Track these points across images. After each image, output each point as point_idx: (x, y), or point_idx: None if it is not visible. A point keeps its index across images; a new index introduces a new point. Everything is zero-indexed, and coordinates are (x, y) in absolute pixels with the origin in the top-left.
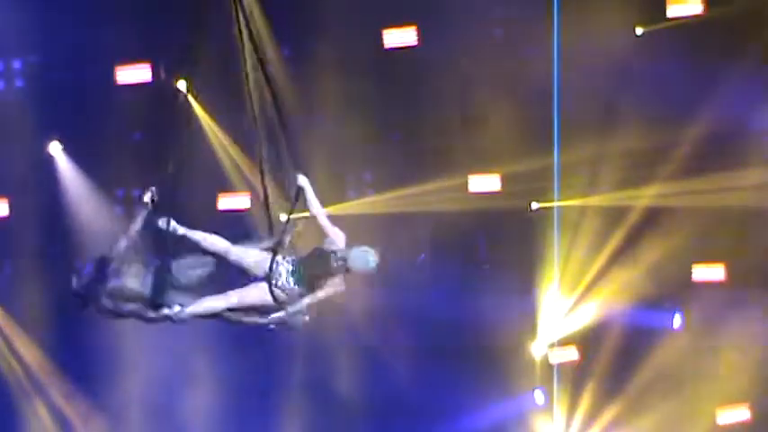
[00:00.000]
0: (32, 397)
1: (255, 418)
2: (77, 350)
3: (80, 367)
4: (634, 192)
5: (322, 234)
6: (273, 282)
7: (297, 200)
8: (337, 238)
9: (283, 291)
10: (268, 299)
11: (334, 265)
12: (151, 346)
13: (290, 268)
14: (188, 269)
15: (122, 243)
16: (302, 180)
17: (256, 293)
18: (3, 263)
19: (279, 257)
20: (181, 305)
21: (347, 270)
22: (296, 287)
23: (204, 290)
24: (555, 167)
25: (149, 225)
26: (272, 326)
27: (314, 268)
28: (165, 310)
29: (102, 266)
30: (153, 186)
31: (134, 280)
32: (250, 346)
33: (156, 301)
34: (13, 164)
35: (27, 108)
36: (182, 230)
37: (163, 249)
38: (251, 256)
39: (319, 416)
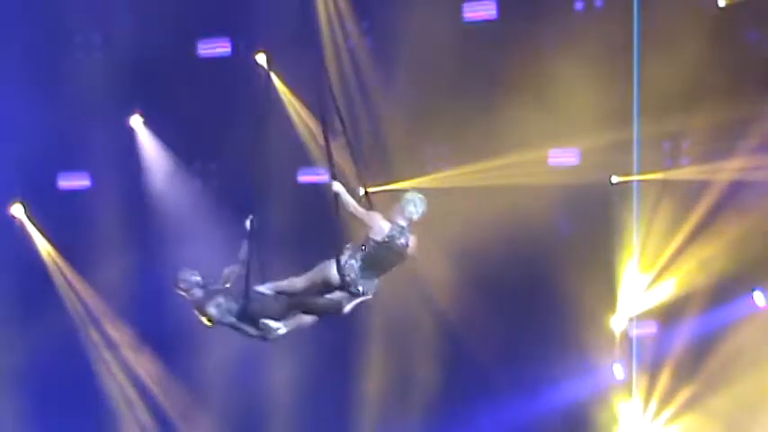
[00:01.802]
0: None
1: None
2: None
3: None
4: (716, 165)
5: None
6: (348, 280)
7: (337, 206)
8: (378, 227)
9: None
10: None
11: (398, 243)
12: None
13: (359, 265)
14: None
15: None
16: (336, 186)
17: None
18: (86, 234)
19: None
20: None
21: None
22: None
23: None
24: (635, 141)
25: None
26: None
27: (383, 261)
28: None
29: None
30: (251, 215)
31: (215, 309)
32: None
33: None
34: (93, 136)
35: (107, 81)
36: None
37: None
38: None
39: (397, 391)
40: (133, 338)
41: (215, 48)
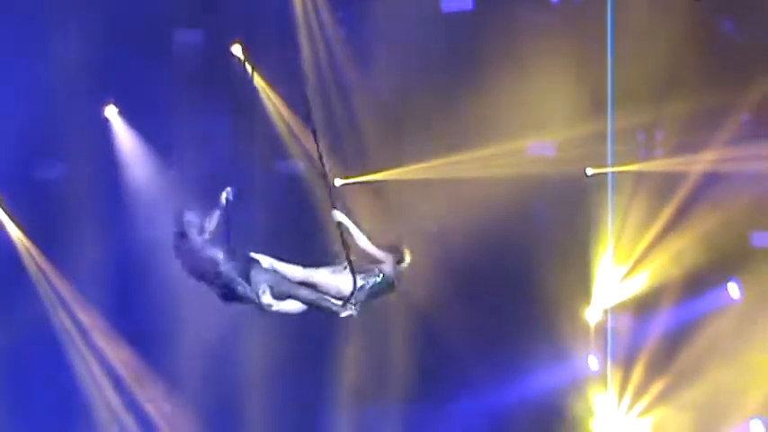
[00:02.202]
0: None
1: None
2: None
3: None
4: (691, 157)
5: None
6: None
7: (344, 238)
8: (388, 260)
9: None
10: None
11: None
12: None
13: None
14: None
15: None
16: (338, 215)
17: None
18: (60, 223)
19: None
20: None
21: None
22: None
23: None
24: (609, 132)
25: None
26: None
27: (383, 292)
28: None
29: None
30: (229, 188)
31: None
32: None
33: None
34: (68, 126)
35: (82, 71)
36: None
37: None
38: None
39: (373, 380)
40: (106, 326)
41: (190, 37)
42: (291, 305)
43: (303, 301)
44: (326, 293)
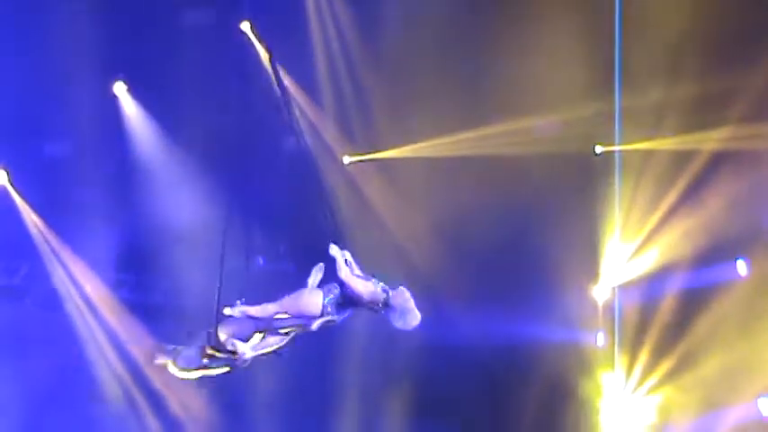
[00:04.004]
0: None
1: None
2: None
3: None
4: (700, 135)
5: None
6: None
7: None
8: (372, 296)
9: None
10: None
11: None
12: None
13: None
14: None
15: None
16: (334, 250)
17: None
18: (70, 200)
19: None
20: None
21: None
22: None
23: None
24: (617, 110)
25: None
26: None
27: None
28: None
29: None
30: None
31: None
32: None
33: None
34: (77, 104)
35: (92, 48)
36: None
37: None
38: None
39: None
40: (115, 302)
41: (199, 15)
42: (267, 343)
43: (281, 331)
44: (299, 317)
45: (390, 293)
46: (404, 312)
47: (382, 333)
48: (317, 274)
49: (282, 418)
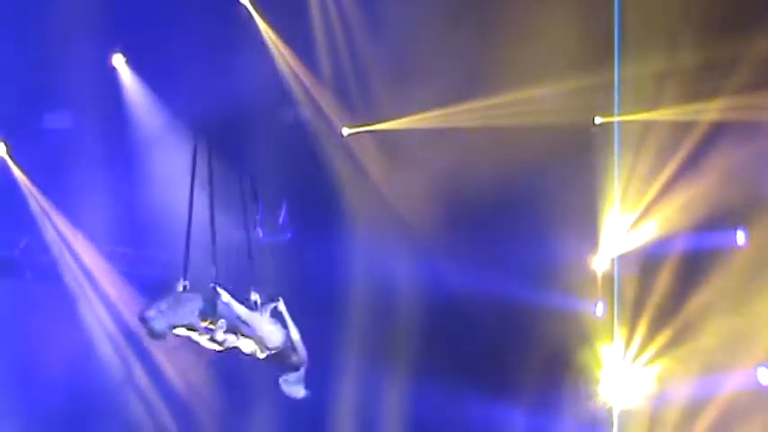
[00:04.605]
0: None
1: None
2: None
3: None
4: (699, 106)
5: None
6: None
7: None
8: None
9: None
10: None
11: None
12: None
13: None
14: None
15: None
16: (281, 306)
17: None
18: (67, 175)
19: None
20: None
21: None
22: None
23: None
24: (616, 81)
25: None
26: None
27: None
28: None
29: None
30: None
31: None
32: None
33: None
34: (75, 77)
35: (90, 19)
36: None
37: None
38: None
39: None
40: (116, 275)
41: None
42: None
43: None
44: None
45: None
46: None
47: (381, 299)
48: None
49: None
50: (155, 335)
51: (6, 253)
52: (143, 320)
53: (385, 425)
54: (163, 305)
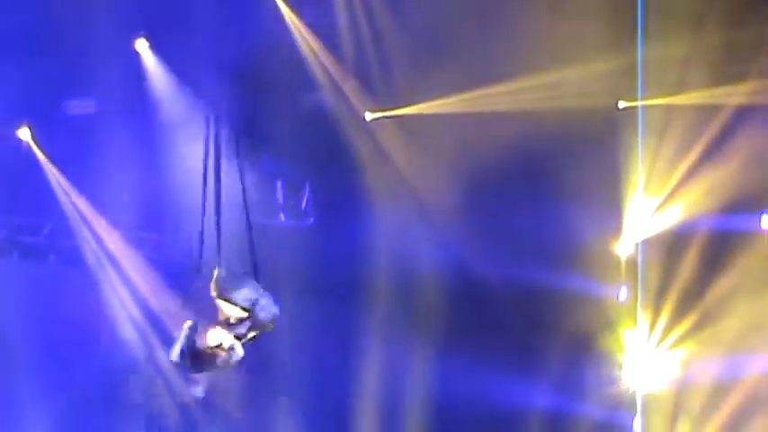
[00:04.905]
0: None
1: None
2: None
3: None
4: (725, 89)
5: None
6: None
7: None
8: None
9: None
10: None
11: None
12: None
13: None
14: None
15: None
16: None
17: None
18: (91, 161)
19: None
20: None
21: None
22: None
23: None
24: (639, 64)
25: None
26: None
27: None
28: None
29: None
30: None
31: None
32: None
33: None
34: (98, 61)
35: (113, 4)
36: None
37: None
38: None
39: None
40: (139, 260)
41: None
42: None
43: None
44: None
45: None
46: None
47: (403, 281)
48: None
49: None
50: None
51: (30, 237)
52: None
53: (407, 405)
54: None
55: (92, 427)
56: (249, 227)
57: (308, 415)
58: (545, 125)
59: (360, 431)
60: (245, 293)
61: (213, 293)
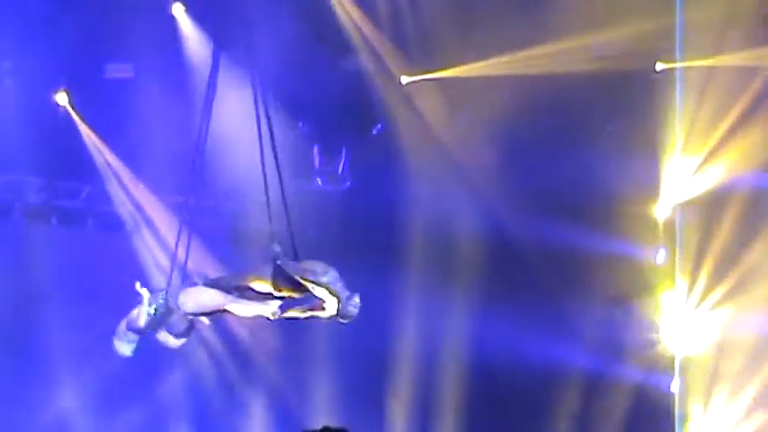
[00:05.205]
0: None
1: None
2: None
3: None
4: (764, 51)
5: None
6: None
7: None
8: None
9: None
10: None
11: None
12: None
13: None
14: None
15: None
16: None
17: None
18: (129, 124)
19: None
20: None
21: None
22: None
23: None
24: (678, 26)
25: None
26: None
27: None
28: None
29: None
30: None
31: None
32: None
33: None
34: (135, 26)
35: None
36: None
37: None
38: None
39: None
40: (177, 227)
41: None
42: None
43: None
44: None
45: None
46: None
47: (440, 242)
48: None
49: None
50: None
51: (68, 202)
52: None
53: (446, 364)
54: None
55: (131, 385)
56: (283, 195)
57: (347, 374)
58: (583, 87)
59: (399, 390)
60: (330, 277)
61: (289, 271)
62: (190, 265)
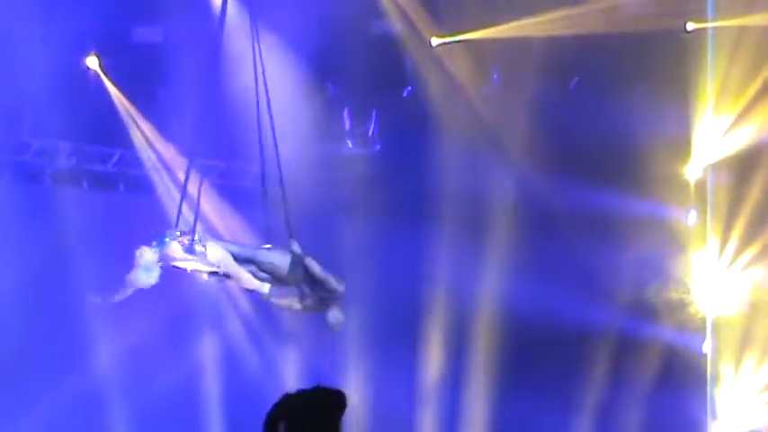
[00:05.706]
0: None
1: None
2: None
3: None
4: None
5: None
6: None
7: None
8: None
9: None
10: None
11: None
12: None
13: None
14: None
15: None
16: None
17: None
18: (159, 88)
19: None
20: None
21: None
22: None
23: None
24: None
25: None
26: None
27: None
28: None
29: None
30: None
31: None
32: None
33: None
34: None
35: None
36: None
37: None
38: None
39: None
40: (207, 189)
41: None
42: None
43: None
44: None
45: None
46: None
47: (471, 208)
48: None
49: None
50: None
51: (99, 166)
52: None
53: (477, 323)
54: None
55: (162, 348)
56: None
57: (377, 334)
58: (614, 48)
59: (429, 349)
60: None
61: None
62: (219, 226)
